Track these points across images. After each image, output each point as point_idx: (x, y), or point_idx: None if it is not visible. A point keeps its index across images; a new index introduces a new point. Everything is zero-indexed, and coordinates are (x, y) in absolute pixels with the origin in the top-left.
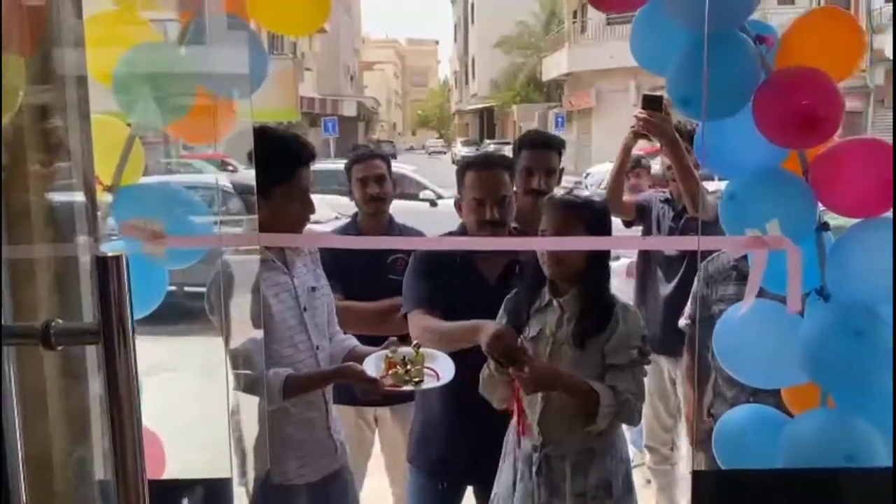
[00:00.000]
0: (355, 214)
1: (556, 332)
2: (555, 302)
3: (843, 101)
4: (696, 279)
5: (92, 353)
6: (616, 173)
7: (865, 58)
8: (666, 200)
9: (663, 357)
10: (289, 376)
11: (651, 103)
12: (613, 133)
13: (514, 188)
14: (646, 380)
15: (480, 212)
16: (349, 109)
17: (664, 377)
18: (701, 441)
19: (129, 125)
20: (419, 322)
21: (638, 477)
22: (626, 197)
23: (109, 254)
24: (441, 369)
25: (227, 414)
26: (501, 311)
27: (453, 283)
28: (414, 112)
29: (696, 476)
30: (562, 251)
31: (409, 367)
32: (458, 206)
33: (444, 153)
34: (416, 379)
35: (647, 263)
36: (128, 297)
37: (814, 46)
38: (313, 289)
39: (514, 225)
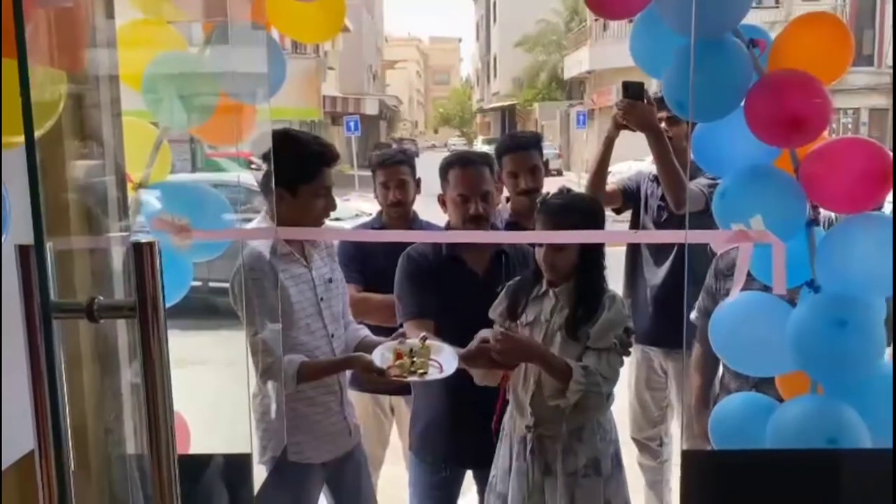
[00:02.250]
0: (380, 212)
1: (550, 319)
2: (551, 291)
3: (831, 102)
4: (708, 273)
5: (124, 341)
6: (597, 166)
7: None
8: (655, 178)
9: (653, 348)
10: (302, 363)
11: (630, 91)
12: (636, 133)
13: (504, 189)
14: (634, 370)
15: (465, 207)
16: (371, 108)
17: (654, 368)
18: (704, 431)
19: (155, 125)
20: (411, 333)
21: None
22: (611, 186)
23: (144, 240)
24: (445, 361)
25: (248, 399)
26: (501, 296)
27: (443, 279)
28: (436, 110)
29: (686, 455)
30: (555, 258)
31: (414, 358)
32: (441, 201)
33: None
34: (421, 371)
35: (635, 251)
36: (160, 278)
37: (804, 50)
38: (329, 280)
39: (511, 220)
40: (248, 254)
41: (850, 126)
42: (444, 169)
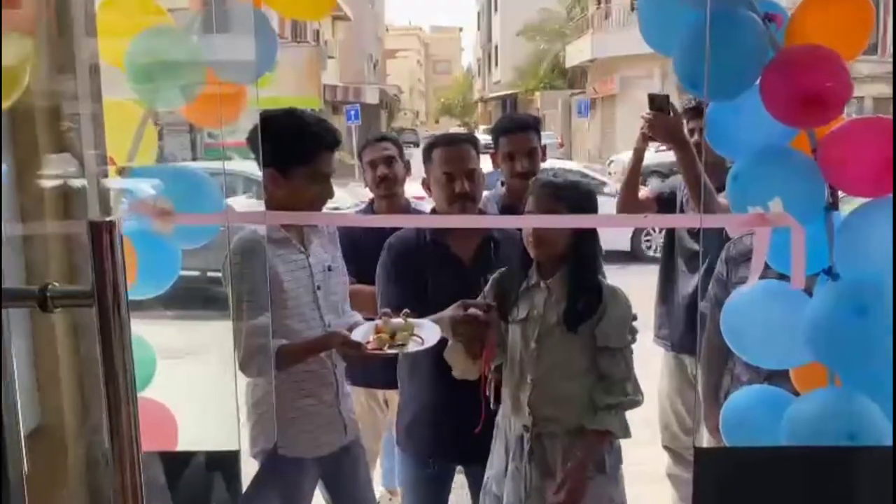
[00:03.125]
0: (371, 200)
1: (543, 314)
2: (542, 283)
3: (851, 79)
4: (718, 260)
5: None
6: (628, 178)
7: None
8: None
9: (685, 356)
10: (280, 346)
11: (656, 103)
12: (638, 120)
13: (502, 174)
14: (667, 378)
15: (450, 186)
16: (371, 97)
17: (687, 374)
18: (715, 425)
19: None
20: None
21: None
22: (644, 194)
23: (104, 219)
24: (426, 335)
25: (239, 390)
26: (487, 289)
27: (427, 267)
28: (437, 100)
29: (698, 453)
30: (546, 233)
31: (395, 333)
32: (425, 185)
33: None
34: (400, 343)
35: (670, 258)
36: (121, 262)
37: (822, 24)
38: (329, 268)
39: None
40: (241, 237)
41: (853, 115)
42: (428, 150)
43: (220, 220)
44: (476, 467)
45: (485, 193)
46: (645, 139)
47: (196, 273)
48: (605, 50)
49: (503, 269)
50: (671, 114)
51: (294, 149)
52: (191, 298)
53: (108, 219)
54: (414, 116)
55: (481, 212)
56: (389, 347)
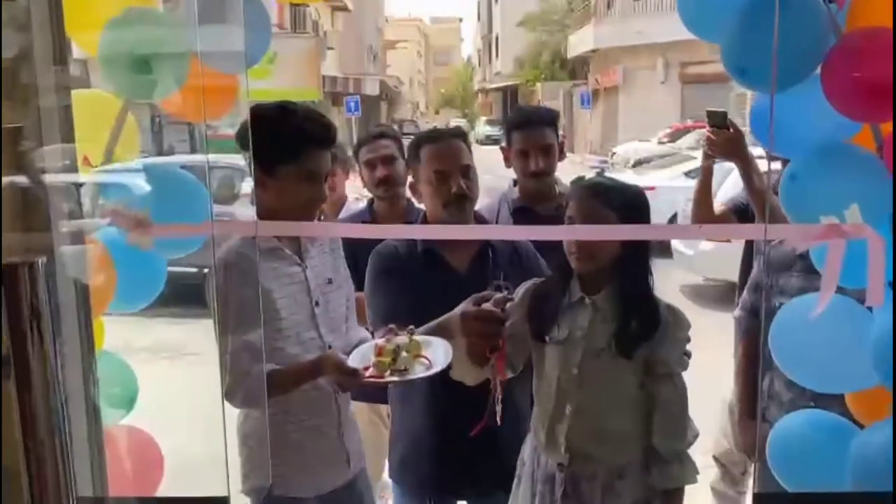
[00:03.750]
0: (371, 200)
1: (588, 335)
2: (586, 300)
3: None
4: (754, 265)
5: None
6: (699, 196)
7: None
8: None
9: None
10: (270, 372)
11: (714, 119)
12: (640, 111)
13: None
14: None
15: (445, 186)
16: (371, 88)
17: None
18: (751, 448)
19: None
20: None
21: None
22: (720, 208)
23: (18, 261)
24: (436, 357)
25: (225, 423)
26: (517, 301)
27: (418, 279)
28: (437, 91)
29: (759, 500)
30: (591, 243)
31: (402, 354)
32: (413, 188)
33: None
34: (402, 367)
35: (749, 264)
36: (46, 313)
37: (888, 5)
38: (329, 281)
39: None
40: (228, 247)
41: None
42: (415, 148)
43: (205, 231)
44: (479, 500)
45: (496, 194)
46: (708, 157)
47: (193, 270)
48: (608, 40)
49: (537, 279)
50: (730, 129)
51: (278, 145)
52: (186, 297)
53: (24, 260)
54: (414, 108)
55: (478, 215)
56: (391, 374)
